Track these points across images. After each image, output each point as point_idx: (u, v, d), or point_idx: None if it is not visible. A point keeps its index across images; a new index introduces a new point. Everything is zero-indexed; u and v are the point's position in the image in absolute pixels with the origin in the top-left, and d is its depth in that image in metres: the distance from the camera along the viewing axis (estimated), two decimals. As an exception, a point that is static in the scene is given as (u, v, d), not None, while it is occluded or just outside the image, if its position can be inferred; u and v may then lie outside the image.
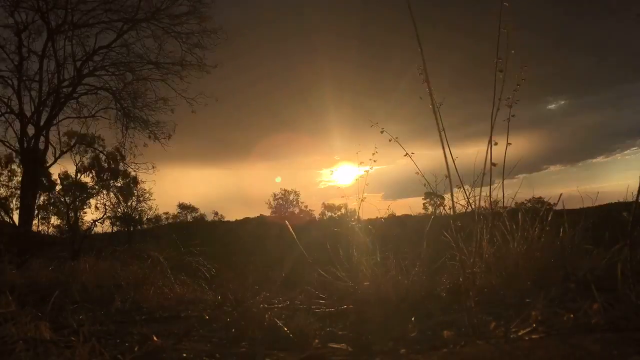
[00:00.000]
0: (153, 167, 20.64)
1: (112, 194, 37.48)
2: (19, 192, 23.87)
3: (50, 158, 19.67)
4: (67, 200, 34.09)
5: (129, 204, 40.46)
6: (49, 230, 43.96)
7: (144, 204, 41.79)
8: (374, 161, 3.42)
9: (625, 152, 66.46)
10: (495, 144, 2.57)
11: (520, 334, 1.72)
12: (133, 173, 27.53)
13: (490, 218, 2.78)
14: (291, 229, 3.84)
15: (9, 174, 33.41)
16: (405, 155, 2.91)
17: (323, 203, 49.43)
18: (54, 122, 18.07)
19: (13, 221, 25.63)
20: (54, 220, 42.55)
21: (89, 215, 36.58)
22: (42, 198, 35.29)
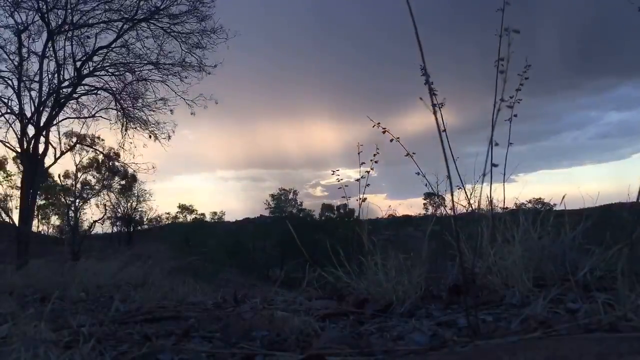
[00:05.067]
0: (153, 167, 20.68)
1: (112, 194, 37.53)
2: (19, 192, 23.82)
3: (50, 158, 19.71)
4: (68, 201, 34.11)
5: (129, 204, 40.49)
6: (49, 230, 44.04)
7: (144, 204, 41.85)
8: (375, 162, 3.43)
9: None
10: (496, 144, 2.57)
11: (520, 334, 1.72)
12: (133, 173, 27.51)
13: (490, 218, 2.78)
14: (291, 229, 3.84)
15: (10, 174, 33.44)
16: (406, 155, 2.91)
17: (323, 203, 49.43)
18: (54, 122, 18.10)
19: (13, 221, 25.61)
20: (54, 220, 42.65)
21: (89, 215, 36.62)
22: (42, 198, 35.31)
